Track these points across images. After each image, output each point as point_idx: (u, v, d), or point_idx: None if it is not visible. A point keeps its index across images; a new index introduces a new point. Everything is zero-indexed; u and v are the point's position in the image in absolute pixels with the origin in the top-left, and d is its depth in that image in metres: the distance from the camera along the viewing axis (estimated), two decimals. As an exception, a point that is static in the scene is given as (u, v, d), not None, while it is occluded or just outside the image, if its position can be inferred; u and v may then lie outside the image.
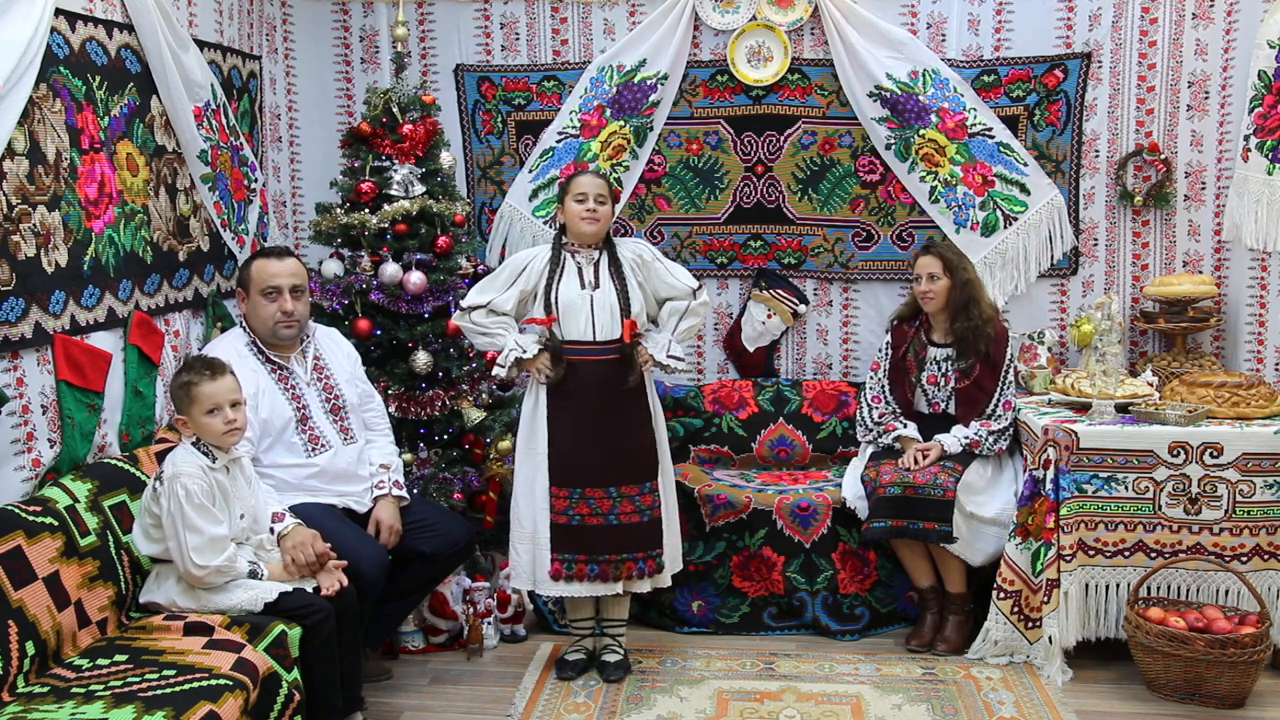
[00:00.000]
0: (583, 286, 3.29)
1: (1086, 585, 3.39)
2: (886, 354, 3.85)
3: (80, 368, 2.87)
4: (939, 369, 3.74)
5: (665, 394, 4.29)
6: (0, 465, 2.66)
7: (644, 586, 3.35)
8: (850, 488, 3.74)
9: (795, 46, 4.21)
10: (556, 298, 3.28)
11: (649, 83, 4.22)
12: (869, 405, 3.85)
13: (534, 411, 3.33)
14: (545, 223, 4.30)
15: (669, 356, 3.33)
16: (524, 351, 3.24)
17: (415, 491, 3.48)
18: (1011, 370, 3.71)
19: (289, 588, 2.74)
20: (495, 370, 3.30)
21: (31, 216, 2.71)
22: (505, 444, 3.82)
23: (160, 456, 2.94)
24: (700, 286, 3.42)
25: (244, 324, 3.27)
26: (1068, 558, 3.31)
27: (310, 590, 2.79)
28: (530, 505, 3.32)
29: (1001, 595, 3.43)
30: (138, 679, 2.38)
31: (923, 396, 3.78)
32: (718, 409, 4.28)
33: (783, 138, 4.27)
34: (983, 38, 4.18)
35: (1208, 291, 3.97)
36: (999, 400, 3.66)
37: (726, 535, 3.76)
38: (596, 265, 3.32)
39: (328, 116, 4.41)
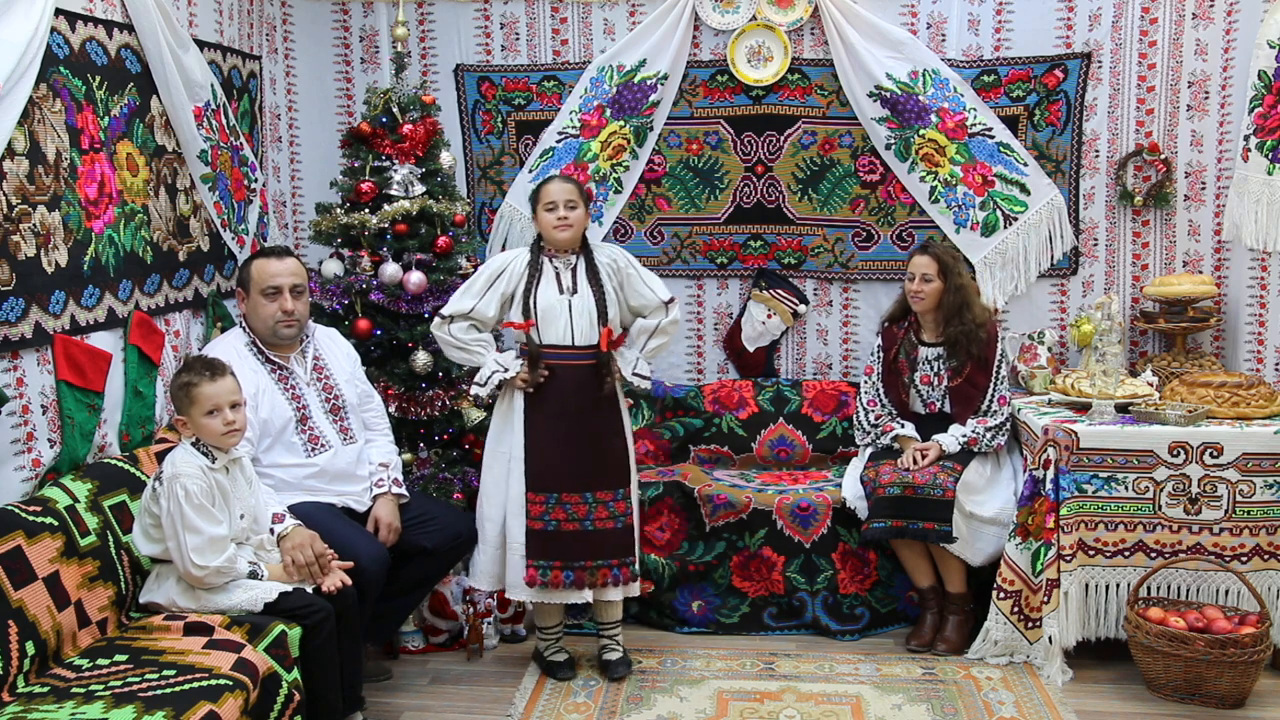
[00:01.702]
0: (561, 291, 3.29)
1: (1086, 585, 3.39)
2: (878, 357, 3.85)
3: (80, 368, 2.87)
4: (931, 368, 3.74)
5: (665, 394, 4.29)
6: (0, 465, 2.66)
7: (616, 595, 3.33)
8: (850, 488, 3.74)
9: (795, 46, 4.21)
10: (535, 302, 3.28)
11: (649, 83, 4.22)
12: (865, 409, 3.85)
13: (508, 415, 3.31)
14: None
15: (634, 374, 3.35)
16: (506, 371, 3.25)
17: (415, 489, 3.48)
18: (1004, 365, 3.72)
19: (289, 588, 2.74)
20: (475, 390, 3.31)
21: (31, 216, 2.71)
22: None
23: (160, 456, 2.94)
24: (673, 300, 3.39)
25: (244, 324, 3.27)
26: (1068, 558, 3.31)
27: (310, 591, 2.79)
28: (498, 509, 3.31)
29: (1001, 595, 3.43)
30: (138, 679, 2.38)
31: (917, 397, 3.78)
32: (718, 409, 4.28)
33: (783, 138, 4.27)
34: (983, 38, 4.18)
35: (1208, 291, 3.97)
36: (993, 396, 3.66)
37: (726, 535, 3.76)
38: (574, 270, 3.32)
39: (328, 116, 4.41)
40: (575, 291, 3.29)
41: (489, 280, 3.31)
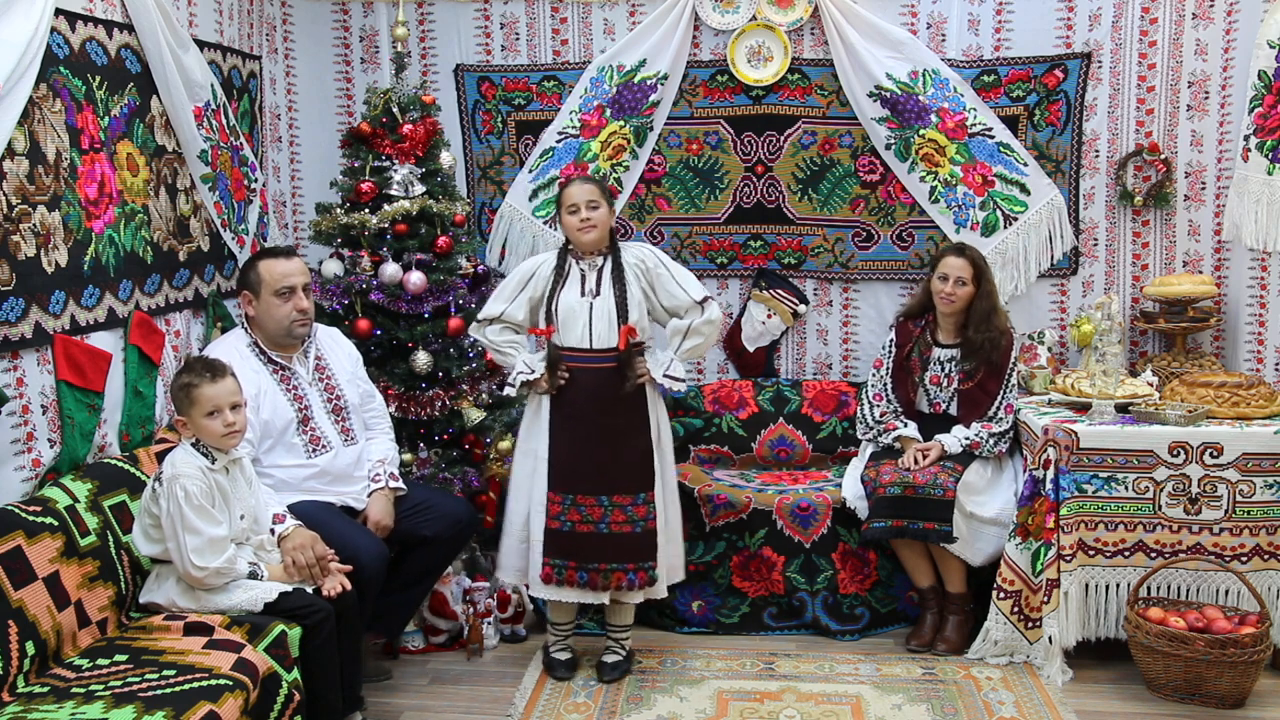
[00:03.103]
0: (583, 294, 3.29)
1: (1086, 585, 3.39)
2: (890, 352, 3.84)
3: (80, 368, 2.87)
4: (943, 369, 3.74)
5: (665, 394, 4.28)
6: (0, 465, 2.66)
7: (635, 598, 3.33)
8: (850, 488, 3.74)
9: (795, 46, 4.21)
10: (556, 306, 3.28)
11: (649, 83, 4.22)
12: (870, 403, 3.85)
13: (536, 413, 3.34)
14: (545, 223, 4.30)
15: (665, 375, 3.31)
16: (531, 372, 3.28)
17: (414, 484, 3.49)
18: (1015, 374, 3.71)
19: (289, 588, 2.74)
20: (507, 390, 3.38)
21: (31, 216, 2.71)
22: (505, 444, 3.81)
23: (160, 456, 2.94)
24: (707, 299, 3.33)
25: (245, 325, 3.27)
26: (1068, 558, 3.31)
27: (310, 591, 2.79)
28: (523, 503, 3.34)
29: (1001, 595, 3.43)
30: (138, 679, 2.38)
31: (925, 396, 3.78)
32: (718, 409, 4.28)
33: (783, 138, 4.27)
34: (983, 38, 4.18)
35: (1208, 291, 3.97)
36: (1001, 403, 3.66)
37: (726, 535, 3.76)
38: (600, 272, 3.31)
39: (328, 116, 4.41)
40: (598, 294, 3.28)
41: (519, 285, 3.35)
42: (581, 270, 3.32)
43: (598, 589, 3.27)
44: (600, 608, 3.50)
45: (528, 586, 3.42)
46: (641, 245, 3.44)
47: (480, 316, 3.40)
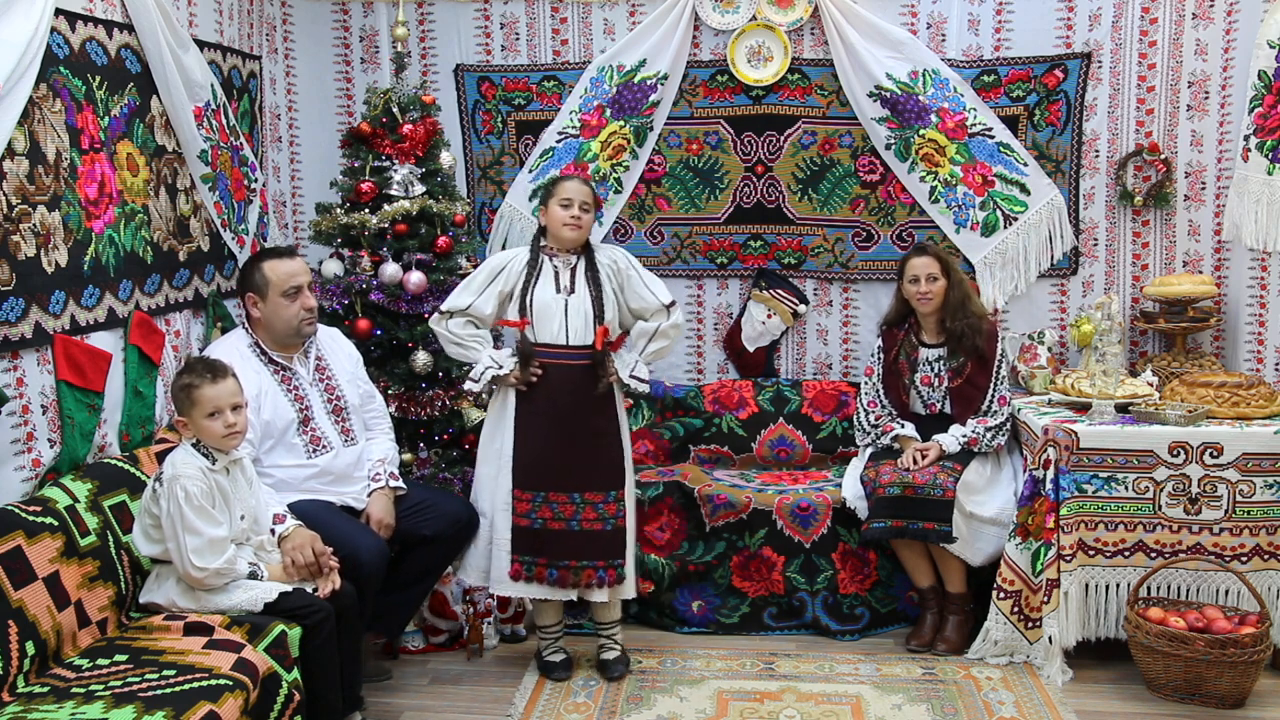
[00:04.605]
0: (558, 290, 3.28)
1: (1086, 585, 3.39)
2: (878, 358, 3.86)
3: (80, 368, 2.87)
4: (931, 369, 3.75)
5: (665, 394, 4.29)
6: (0, 465, 2.66)
7: (601, 596, 3.29)
8: (850, 488, 3.74)
9: (795, 46, 4.21)
10: (532, 300, 3.28)
11: (649, 83, 4.22)
12: (865, 409, 3.85)
13: (501, 411, 3.32)
14: (545, 223, 4.31)
15: (631, 377, 3.32)
16: (500, 368, 3.26)
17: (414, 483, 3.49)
18: (1004, 365, 3.72)
19: (289, 588, 2.74)
20: (468, 385, 3.32)
21: (31, 216, 2.71)
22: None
23: (160, 457, 2.94)
24: (674, 303, 3.37)
25: (246, 325, 3.27)
26: (1068, 558, 3.31)
27: (310, 591, 2.79)
28: (489, 504, 3.33)
29: (1001, 595, 3.43)
30: (138, 679, 2.38)
31: (918, 398, 3.78)
32: (718, 409, 4.28)
33: (783, 138, 4.27)
34: (983, 38, 4.18)
35: (1208, 291, 3.97)
36: (993, 396, 3.67)
37: (726, 535, 3.76)
38: (573, 270, 3.31)
39: (328, 116, 4.41)
40: (573, 291, 3.29)
41: (489, 277, 3.33)
42: (555, 267, 3.32)
43: (566, 586, 3.26)
44: (589, 609, 3.50)
45: (488, 588, 3.39)
46: (614, 247, 3.48)
47: (444, 308, 3.33)
